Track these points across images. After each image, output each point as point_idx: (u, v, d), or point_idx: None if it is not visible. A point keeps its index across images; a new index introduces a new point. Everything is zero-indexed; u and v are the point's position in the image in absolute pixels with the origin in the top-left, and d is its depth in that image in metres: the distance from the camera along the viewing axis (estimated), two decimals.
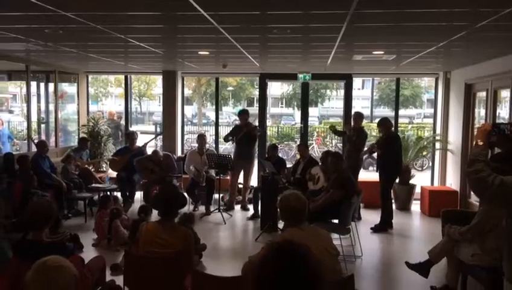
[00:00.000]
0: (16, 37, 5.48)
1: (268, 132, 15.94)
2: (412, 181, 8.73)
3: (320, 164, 7.07)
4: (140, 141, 8.97)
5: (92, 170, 8.74)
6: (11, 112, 19.84)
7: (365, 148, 7.81)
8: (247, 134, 8.06)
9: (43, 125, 9.50)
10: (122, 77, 11.25)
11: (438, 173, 9.13)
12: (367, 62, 7.38)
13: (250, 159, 8.32)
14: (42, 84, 9.63)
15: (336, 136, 12.07)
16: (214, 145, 10.42)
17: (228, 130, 8.92)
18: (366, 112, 26.49)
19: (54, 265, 2.13)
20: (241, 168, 8.27)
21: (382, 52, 6.32)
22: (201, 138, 8.64)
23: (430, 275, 4.72)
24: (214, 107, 10.64)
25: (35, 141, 8.12)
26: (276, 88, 31.02)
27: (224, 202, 8.46)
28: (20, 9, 4.09)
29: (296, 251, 1.64)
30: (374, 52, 6.30)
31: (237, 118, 8.81)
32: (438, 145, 9.15)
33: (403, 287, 4.96)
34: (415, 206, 8.63)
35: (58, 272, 2.11)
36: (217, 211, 7.80)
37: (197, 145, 8.78)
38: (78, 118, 10.00)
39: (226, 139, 8.54)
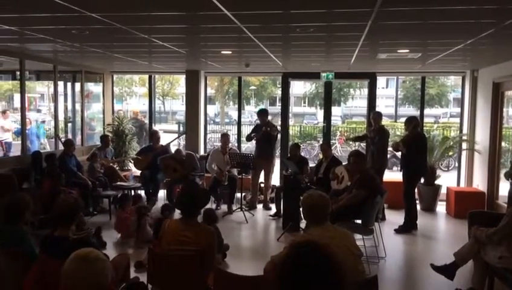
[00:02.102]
0: (44, 38, 5.62)
1: (291, 131, 15.88)
2: (437, 182, 8.58)
3: (345, 163, 7.00)
4: (163, 140, 9.07)
5: (117, 168, 8.88)
6: (39, 111, 20.33)
7: (389, 148, 7.72)
8: (266, 133, 8.06)
9: (69, 124, 9.71)
10: (146, 76, 11.40)
11: (464, 174, 8.95)
12: (391, 60, 7.28)
13: (270, 159, 8.32)
14: (69, 84, 9.85)
15: (357, 142, 11.92)
16: (236, 145, 10.46)
17: (250, 129, 8.93)
18: (390, 111, 26.30)
19: (94, 257, 2.18)
20: (261, 168, 8.28)
21: (407, 51, 6.23)
22: (224, 137, 8.68)
23: (456, 277, 4.62)
24: (236, 106, 10.67)
25: (62, 139, 8.30)
26: (298, 87, 30.92)
27: (246, 201, 8.48)
28: (47, 11, 4.19)
29: (318, 250, 1.63)
30: (398, 51, 6.22)
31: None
32: (464, 145, 8.96)
33: None
34: (441, 207, 8.48)
35: (98, 263, 2.16)
36: (239, 210, 7.82)
37: (220, 144, 8.81)
38: (103, 117, 10.17)
39: (248, 139, 8.55)
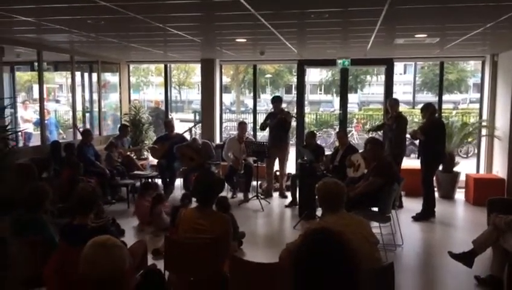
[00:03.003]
0: (60, 28, 5.67)
1: (307, 119, 15.79)
2: (456, 169, 8.46)
3: (362, 151, 6.95)
4: (180, 129, 9.11)
5: (134, 157, 8.97)
6: (57, 101, 20.62)
7: (407, 135, 7.62)
8: (281, 121, 8.03)
9: (87, 114, 9.82)
10: (162, 66, 11.43)
11: (483, 161, 8.80)
12: (409, 46, 7.16)
13: (285, 146, 8.31)
14: (86, 75, 9.94)
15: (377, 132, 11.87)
16: (251, 133, 10.46)
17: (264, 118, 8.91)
18: (408, 97, 25.93)
19: (111, 243, 2.22)
20: (275, 156, 8.27)
21: (425, 36, 6.11)
22: (242, 126, 8.66)
23: (474, 265, 4.58)
24: (252, 94, 10.66)
25: (80, 129, 8.41)
26: (314, 75, 30.66)
27: (262, 189, 8.50)
28: (63, 1, 4.22)
29: (332, 237, 1.63)
30: (416, 36, 6.11)
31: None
32: (484, 131, 8.80)
33: (445, 277, 4.84)
34: (459, 194, 8.37)
35: (116, 249, 2.20)
36: (255, 198, 7.85)
37: (236, 132, 8.83)
38: (120, 106, 10.26)
39: (263, 128, 8.56)
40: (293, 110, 9.09)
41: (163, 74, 11.32)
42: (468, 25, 5.31)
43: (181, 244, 3.52)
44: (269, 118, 8.36)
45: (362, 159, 6.59)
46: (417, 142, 7.61)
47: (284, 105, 8.50)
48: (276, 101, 8.41)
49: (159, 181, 8.36)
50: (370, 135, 13.55)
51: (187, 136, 9.02)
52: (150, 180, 8.13)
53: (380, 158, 5.91)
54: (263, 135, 12.73)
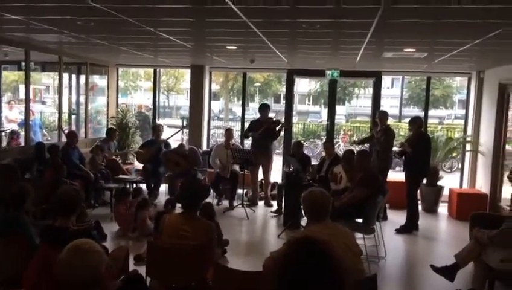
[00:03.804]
0: (49, 28, 5.60)
1: (294, 129, 15.86)
2: (440, 183, 8.54)
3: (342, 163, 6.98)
4: (166, 134, 9.06)
5: (119, 161, 8.88)
6: (43, 103, 20.36)
7: (394, 148, 7.67)
8: (268, 130, 8.04)
9: (73, 117, 9.70)
10: (151, 70, 11.39)
11: (467, 175, 8.90)
12: (398, 59, 7.24)
13: (268, 154, 8.30)
14: (74, 76, 9.84)
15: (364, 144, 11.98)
16: (239, 141, 10.45)
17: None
18: (394, 111, 26.16)
19: (88, 247, 2.17)
20: (259, 164, 8.25)
21: (414, 50, 6.18)
22: (228, 132, 8.69)
23: (456, 279, 4.60)
24: (240, 102, 10.65)
25: (66, 131, 8.30)
26: (303, 85, 30.82)
27: (248, 197, 8.47)
28: (52, 1, 4.17)
29: (316, 246, 1.61)
30: (405, 50, 6.17)
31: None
32: (468, 146, 8.91)
33: None
34: (442, 208, 8.44)
35: (92, 254, 2.16)
36: (240, 206, 7.81)
37: (223, 139, 8.81)
38: (107, 110, 10.17)
39: (245, 136, 8.55)
40: (281, 119, 9.08)
41: (152, 79, 11.27)
42: (456, 40, 5.38)
43: (164, 250, 3.48)
44: (252, 127, 8.34)
45: (343, 171, 6.63)
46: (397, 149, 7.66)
47: (271, 114, 8.50)
48: (264, 108, 8.43)
49: (143, 186, 8.28)
50: (354, 147, 13.62)
51: (175, 142, 8.97)
52: (134, 184, 8.05)
53: (366, 169, 5.94)
54: (250, 143, 12.75)
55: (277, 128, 8.20)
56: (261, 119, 8.34)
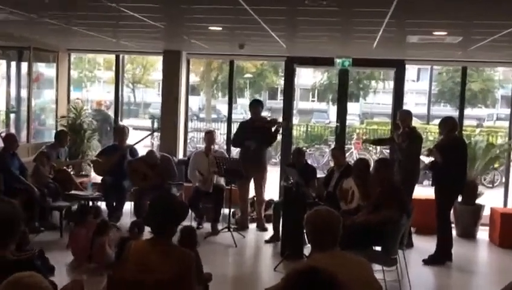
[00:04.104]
0: None
1: (295, 132, 15.89)
2: (478, 201, 8.59)
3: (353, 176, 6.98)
4: (132, 139, 9.04)
5: (72, 173, 8.83)
6: None
7: (421, 157, 7.71)
8: (261, 132, 8.05)
9: (12, 115, 9.64)
10: (112, 57, 11.37)
11: None
12: (425, 46, 7.29)
13: (261, 164, 8.30)
14: (13, 64, 9.78)
15: (380, 147, 12.03)
16: (225, 147, 10.44)
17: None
18: (421, 110, 26.36)
19: (32, 282, 2.15)
20: (250, 177, 8.25)
21: (445, 33, 6.24)
22: (209, 135, 8.69)
23: None
24: (226, 98, 10.67)
25: (2, 134, 8.25)
26: (306, 77, 30.95)
27: (236, 219, 8.45)
28: None
29: (321, 277, 1.62)
30: (434, 33, 6.22)
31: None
32: None
33: None
34: (482, 233, 8.48)
35: None
36: (226, 230, 7.80)
37: (203, 145, 8.81)
38: (56, 107, 10.13)
39: (236, 143, 8.55)
40: (279, 118, 9.11)
41: (113, 68, 11.26)
42: (498, 22, 5.44)
43: (128, 286, 3.46)
44: (245, 130, 8.33)
45: (356, 186, 6.65)
46: (428, 159, 7.68)
47: (265, 113, 8.51)
48: (255, 106, 8.44)
49: (102, 205, 8.24)
50: (375, 155, 13.66)
51: (143, 148, 8.95)
52: (90, 203, 8.01)
53: (388, 183, 5.96)
54: (239, 150, 12.73)
55: (273, 129, 8.21)
56: (253, 118, 8.35)
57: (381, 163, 6.25)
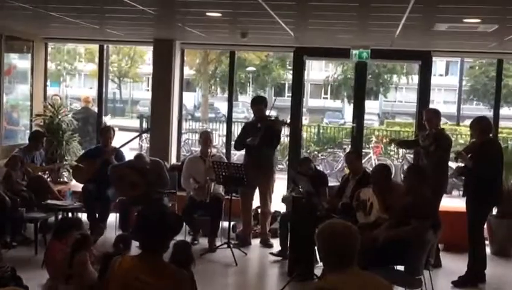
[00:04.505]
0: None
1: (305, 134, 15.88)
2: None
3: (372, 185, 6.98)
4: (118, 141, 9.04)
5: (49, 179, 8.84)
6: None
7: (450, 163, 7.70)
8: (268, 130, 8.05)
9: None
10: (95, 47, 11.40)
11: None
12: (454, 35, 7.29)
13: (268, 170, 8.29)
14: None
15: (404, 149, 12.00)
16: (224, 151, 10.45)
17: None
18: (450, 109, 26.36)
19: None
20: (254, 184, 8.24)
21: (478, 21, 6.23)
22: (204, 137, 8.67)
23: None
24: (226, 95, 10.68)
25: None
26: (318, 70, 31.02)
27: (237, 234, 8.45)
28: None
29: None
30: (465, 20, 6.22)
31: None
32: None
33: None
34: None
35: None
36: (225, 246, 7.80)
37: (199, 148, 8.81)
38: (30, 104, 10.14)
39: (239, 145, 8.55)
40: (286, 119, 9.11)
41: (96, 60, 11.29)
42: None
43: None
44: (249, 132, 8.34)
45: (375, 196, 6.64)
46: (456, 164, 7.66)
47: (272, 112, 8.50)
48: (258, 103, 8.42)
49: (84, 216, 8.25)
50: (396, 160, 13.66)
51: (130, 152, 8.96)
52: (70, 214, 8.01)
53: (421, 195, 5.96)
54: (241, 154, 12.72)
55: (277, 127, 8.17)
56: (256, 117, 8.34)
57: (411, 170, 6.27)
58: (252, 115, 8.69)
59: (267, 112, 8.44)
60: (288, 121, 8.81)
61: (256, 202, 8.57)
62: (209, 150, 8.54)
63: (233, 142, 9.79)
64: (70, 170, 9.07)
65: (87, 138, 11.03)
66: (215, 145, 9.06)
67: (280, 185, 9.25)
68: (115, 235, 6.87)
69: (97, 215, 8.31)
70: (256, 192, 8.43)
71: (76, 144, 10.22)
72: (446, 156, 7.58)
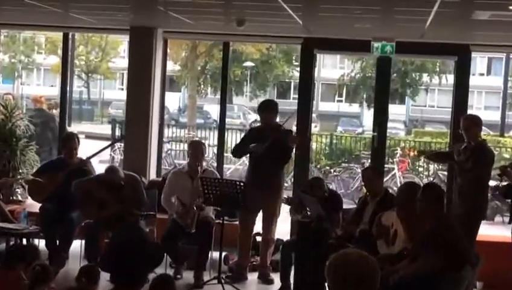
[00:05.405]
0: None
1: (315, 145, 15.88)
2: None
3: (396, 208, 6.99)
4: (85, 151, 9.05)
5: None
6: None
7: (492, 181, 7.72)
8: (275, 143, 8.06)
9: None
10: (59, 35, 11.43)
11: None
12: (498, 25, 7.31)
13: (276, 190, 8.31)
14: None
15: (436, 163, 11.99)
16: (215, 164, 10.45)
17: (240, 136, 8.92)
18: (493, 116, 26.33)
19: None
20: (258, 207, 8.26)
21: None
22: (195, 148, 8.63)
23: None
24: (218, 96, 10.70)
25: None
26: (331, 67, 31.10)
27: (229, 266, 8.46)
28: None
29: None
30: (511, 7, 6.26)
31: (258, 118, 8.79)
32: None
33: None
34: None
35: None
36: (215, 281, 7.80)
37: (186, 161, 8.80)
38: None
39: (237, 154, 8.53)
40: (291, 127, 9.13)
41: (60, 52, 11.32)
42: None
43: None
44: (254, 138, 8.35)
45: (400, 222, 6.65)
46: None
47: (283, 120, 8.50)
48: (268, 109, 8.40)
49: (42, 243, 8.25)
50: (425, 177, 13.65)
51: (100, 164, 8.96)
52: (25, 240, 8.02)
53: (439, 217, 5.97)
54: (235, 168, 12.72)
55: (291, 143, 8.19)
56: (264, 125, 8.35)
57: (431, 189, 6.26)
58: (250, 121, 8.70)
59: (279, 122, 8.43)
60: (304, 136, 8.73)
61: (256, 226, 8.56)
62: (199, 166, 8.48)
63: (227, 154, 9.82)
64: (26, 186, 9.08)
65: (46, 147, 11.02)
66: (205, 157, 9.00)
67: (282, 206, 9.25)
68: (79, 266, 6.87)
69: (58, 241, 8.29)
70: (260, 214, 8.43)
71: (33, 155, 10.21)
72: (486, 175, 7.60)
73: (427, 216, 6.03)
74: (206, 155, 8.93)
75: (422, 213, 6.08)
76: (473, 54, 9.45)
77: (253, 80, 29.59)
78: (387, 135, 10.01)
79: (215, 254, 8.19)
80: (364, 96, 27.11)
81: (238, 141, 8.70)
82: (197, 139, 12.40)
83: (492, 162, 7.79)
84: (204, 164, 8.78)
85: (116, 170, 8.63)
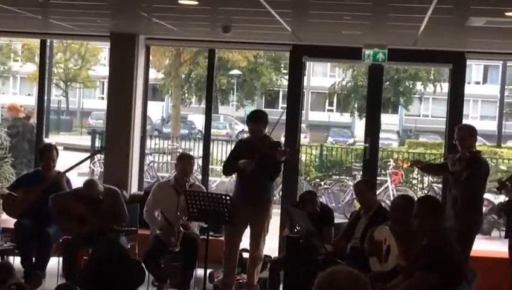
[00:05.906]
0: None
1: (304, 157, 15.88)
2: None
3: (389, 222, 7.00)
4: (63, 164, 9.03)
5: None
6: None
7: (487, 194, 7.73)
8: (263, 158, 8.05)
9: None
10: (35, 42, 11.42)
11: None
12: (493, 32, 7.35)
13: (265, 205, 8.30)
14: None
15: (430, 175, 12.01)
16: (199, 177, 10.44)
17: (228, 150, 8.90)
18: (489, 126, 26.48)
19: None
20: (245, 222, 8.25)
21: None
22: (184, 163, 8.57)
23: None
24: (203, 105, 10.70)
25: None
26: (321, 75, 31.18)
27: (215, 284, 8.44)
28: None
29: None
30: (508, 14, 6.29)
31: (245, 128, 8.80)
32: None
33: None
34: None
35: None
36: None
37: (173, 173, 8.78)
38: None
39: (227, 173, 8.51)
40: (279, 139, 9.12)
41: (37, 59, 11.31)
42: None
43: None
44: (242, 152, 8.33)
45: (393, 237, 6.65)
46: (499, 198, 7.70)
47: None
48: (256, 119, 8.37)
49: (17, 260, 8.22)
50: (420, 190, 13.70)
51: (79, 177, 8.94)
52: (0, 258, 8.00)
53: (433, 233, 5.98)
54: (221, 181, 12.72)
55: (278, 158, 8.17)
56: (253, 137, 8.33)
57: (425, 202, 6.26)
58: (237, 132, 8.70)
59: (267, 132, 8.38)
60: (288, 150, 8.68)
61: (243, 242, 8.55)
62: (187, 182, 8.45)
63: (212, 166, 9.81)
64: (0, 201, 9.04)
65: (22, 160, 10.99)
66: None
67: (274, 223, 9.21)
68: (56, 284, 6.84)
69: (34, 259, 8.26)
70: (247, 230, 8.41)
71: (8, 167, 10.20)
72: (481, 187, 7.62)
73: (423, 231, 6.03)
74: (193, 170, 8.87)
75: (419, 229, 6.08)
76: (469, 62, 9.48)
77: (240, 88, 29.61)
78: (380, 145, 10.03)
79: (199, 271, 8.18)
80: (356, 105, 27.19)
81: (226, 155, 8.63)
82: (186, 152, 12.31)
83: (487, 173, 7.81)
84: (192, 178, 8.75)
85: (95, 183, 8.58)
